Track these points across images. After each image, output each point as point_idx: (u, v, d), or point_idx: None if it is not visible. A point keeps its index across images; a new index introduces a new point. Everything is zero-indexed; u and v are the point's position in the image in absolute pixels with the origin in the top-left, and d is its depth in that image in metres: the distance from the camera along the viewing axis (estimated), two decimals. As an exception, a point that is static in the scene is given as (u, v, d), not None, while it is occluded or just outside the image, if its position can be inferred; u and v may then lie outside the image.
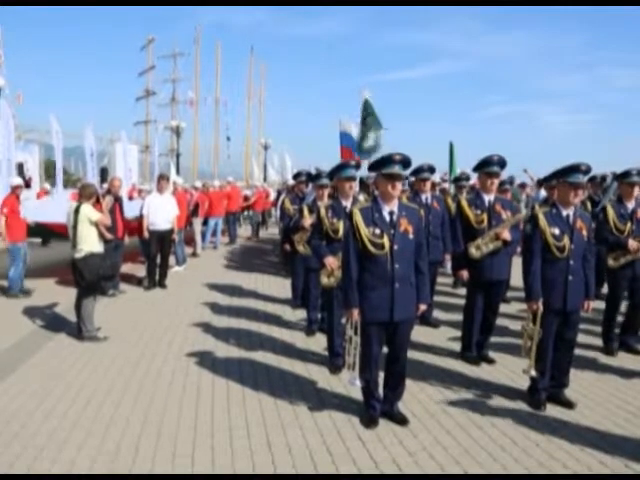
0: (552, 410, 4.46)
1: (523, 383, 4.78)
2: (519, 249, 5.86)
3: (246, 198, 18.46)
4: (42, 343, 6.23)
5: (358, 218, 4.05)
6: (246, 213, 20.10)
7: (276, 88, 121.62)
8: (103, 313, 7.10)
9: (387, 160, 4.06)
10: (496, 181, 5.55)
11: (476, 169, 5.62)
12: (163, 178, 10.18)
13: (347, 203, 5.29)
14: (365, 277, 4.06)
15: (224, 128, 48.76)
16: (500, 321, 6.21)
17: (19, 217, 8.63)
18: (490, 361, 5.60)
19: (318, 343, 6.19)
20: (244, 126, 50.33)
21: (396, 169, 4.01)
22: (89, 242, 6.36)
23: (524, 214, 5.67)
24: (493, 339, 5.83)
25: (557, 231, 4.41)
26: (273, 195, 19.82)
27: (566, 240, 4.39)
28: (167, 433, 4.06)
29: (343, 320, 4.48)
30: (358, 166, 5.52)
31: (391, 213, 4.05)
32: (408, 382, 4.45)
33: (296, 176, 9.71)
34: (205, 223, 14.67)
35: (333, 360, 5.38)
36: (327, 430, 4.10)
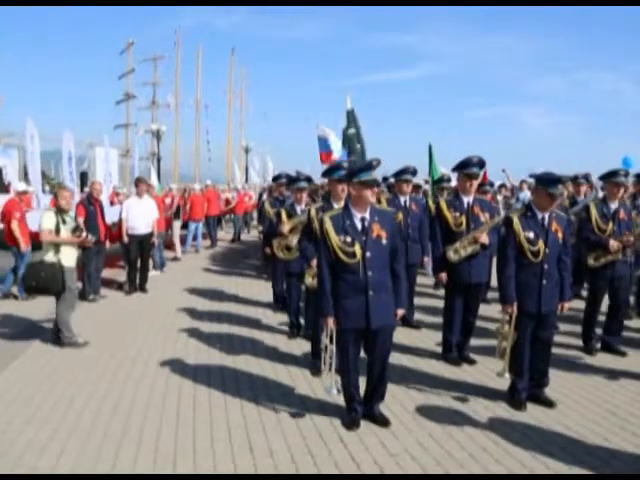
0: (533, 410, 4.50)
1: (503, 383, 4.80)
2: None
3: (227, 202, 18.33)
4: (22, 349, 6.15)
5: (328, 226, 3.99)
6: (228, 216, 19.98)
7: (257, 91, 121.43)
8: (83, 318, 7.02)
9: (367, 167, 4.06)
10: (475, 182, 5.57)
11: (455, 170, 5.64)
12: (141, 182, 10.07)
13: (338, 205, 5.26)
14: (339, 285, 4.01)
15: (205, 131, 48.46)
16: (481, 322, 6.26)
17: (25, 222, 8.79)
18: (471, 362, 5.64)
19: (300, 346, 6.19)
20: (225, 129, 50.12)
21: (374, 175, 4.02)
22: (45, 249, 6.20)
23: (503, 217, 5.70)
24: (474, 340, 5.87)
25: (532, 235, 4.41)
26: (255, 197, 19.74)
27: (541, 244, 4.40)
28: (148, 438, 4.03)
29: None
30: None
31: (363, 220, 4.00)
32: (389, 384, 4.45)
33: (276, 178, 9.53)
34: (185, 227, 14.58)
35: (316, 362, 5.36)
36: (309, 432, 4.10)
